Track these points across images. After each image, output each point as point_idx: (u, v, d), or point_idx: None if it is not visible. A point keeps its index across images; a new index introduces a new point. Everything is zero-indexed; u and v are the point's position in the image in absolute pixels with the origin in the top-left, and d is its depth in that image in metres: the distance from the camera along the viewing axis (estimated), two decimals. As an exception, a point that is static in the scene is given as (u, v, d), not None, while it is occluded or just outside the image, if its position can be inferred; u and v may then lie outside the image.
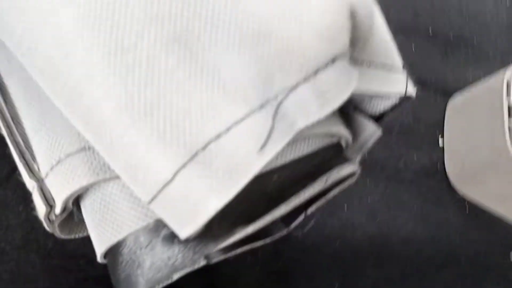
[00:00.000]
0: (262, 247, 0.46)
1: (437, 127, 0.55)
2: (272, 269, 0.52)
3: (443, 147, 0.54)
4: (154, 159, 0.17)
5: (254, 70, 0.17)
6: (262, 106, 0.17)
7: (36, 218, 0.31)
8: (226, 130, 0.17)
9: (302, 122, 0.17)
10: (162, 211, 0.18)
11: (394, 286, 0.52)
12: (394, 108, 0.29)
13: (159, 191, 0.17)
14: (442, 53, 0.61)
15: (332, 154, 0.25)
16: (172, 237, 0.20)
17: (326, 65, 0.18)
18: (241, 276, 0.52)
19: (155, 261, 0.20)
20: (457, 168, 0.52)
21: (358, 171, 0.25)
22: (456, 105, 0.55)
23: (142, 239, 0.20)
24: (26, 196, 0.38)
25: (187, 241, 0.19)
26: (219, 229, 0.19)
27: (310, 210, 0.25)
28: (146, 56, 0.17)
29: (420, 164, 0.53)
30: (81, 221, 0.24)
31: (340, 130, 0.24)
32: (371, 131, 0.28)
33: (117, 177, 0.20)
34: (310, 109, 0.17)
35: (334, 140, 0.25)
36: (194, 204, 0.17)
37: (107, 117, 0.17)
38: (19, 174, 0.27)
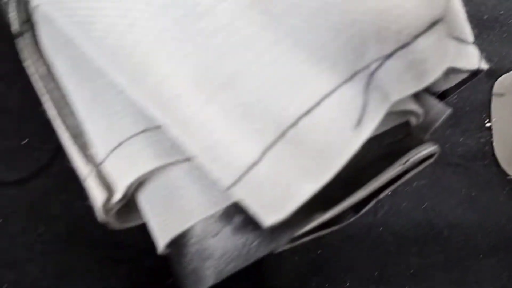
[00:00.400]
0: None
1: (483, 108, 0.53)
2: (312, 257, 0.51)
3: (490, 129, 0.51)
4: (236, 138, 0.15)
5: (344, 36, 0.15)
6: (352, 77, 0.15)
7: (82, 207, 0.30)
8: (316, 104, 0.15)
9: (396, 95, 0.15)
10: (245, 196, 0.16)
11: (438, 275, 0.50)
12: (460, 85, 0.27)
13: (243, 174, 0.15)
14: (476, 34, 0.59)
15: (402, 134, 0.23)
16: (245, 225, 0.18)
17: (424, 32, 0.16)
18: (281, 265, 0.50)
19: (226, 252, 0.18)
20: (507, 150, 0.49)
21: (438, 152, 0.23)
22: (503, 85, 0.53)
23: (211, 227, 0.19)
24: (68, 184, 0.37)
25: (262, 229, 0.17)
26: (297, 215, 0.18)
27: (383, 194, 0.23)
28: (224, 21, 0.15)
29: (467, 147, 0.51)
30: (136, 209, 0.23)
31: (416, 108, 0.22)
32: (439, 110, 0.26)
33: (184, 161, 0.18)
34: (406, 80, 0.15)
35: (403, 119, 0.23)
36: (284, 189, 0.15)
37: (179, 93, 0.15)
38: (62, 160, 0.26)
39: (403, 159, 0.20)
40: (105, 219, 0.22)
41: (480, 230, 0.50)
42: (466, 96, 0.52)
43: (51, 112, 0.22)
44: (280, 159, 0.15)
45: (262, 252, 0.19)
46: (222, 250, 0.18)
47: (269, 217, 0.16)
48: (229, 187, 0.16)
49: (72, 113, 0.20)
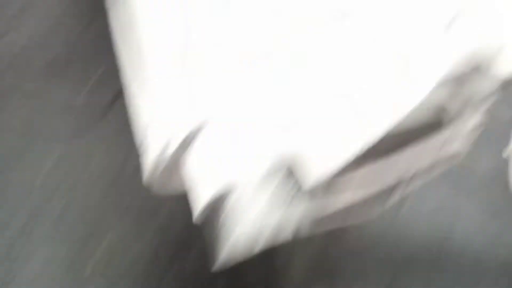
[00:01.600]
0: (312, 244, 0.46)
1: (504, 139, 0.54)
2: (322, 259, 0.52)
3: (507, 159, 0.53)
4: None
5: None
6: None
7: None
8: None
9: None
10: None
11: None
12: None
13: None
14: None
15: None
16: (281, 197, 0.21)
17: None
18: (290, 266, 0.51)
19: (258, 219, 0.21)
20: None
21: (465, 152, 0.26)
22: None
23: (249, 194, 0.21)
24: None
25: (294, 204, 0.21)
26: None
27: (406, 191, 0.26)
28: None
29: (484, 173, 0.53)
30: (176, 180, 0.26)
31: None
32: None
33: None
34: None
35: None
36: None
37: None
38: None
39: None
40: (153, 174, 0.25)
41: (490, 254, 0.51)
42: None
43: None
44: None
45: (288, 228, 0.22)
46: (255, 217, 0.21)
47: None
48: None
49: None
